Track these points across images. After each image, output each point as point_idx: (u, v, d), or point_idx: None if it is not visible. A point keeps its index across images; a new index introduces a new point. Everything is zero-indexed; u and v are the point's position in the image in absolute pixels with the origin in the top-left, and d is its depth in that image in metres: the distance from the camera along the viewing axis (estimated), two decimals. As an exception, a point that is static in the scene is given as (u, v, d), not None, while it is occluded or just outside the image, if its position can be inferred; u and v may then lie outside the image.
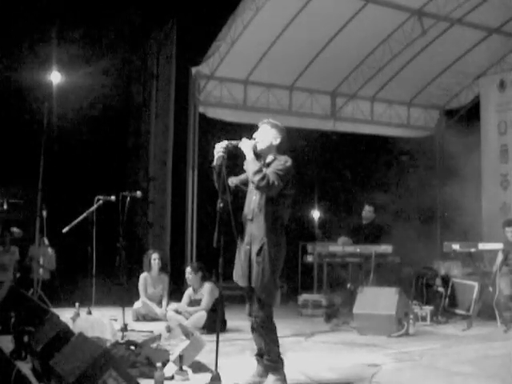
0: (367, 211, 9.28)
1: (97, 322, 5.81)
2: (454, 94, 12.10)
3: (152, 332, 6.63)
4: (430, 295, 8.47)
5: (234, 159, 4.50)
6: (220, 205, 4.30)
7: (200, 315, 7.16)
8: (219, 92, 10.41)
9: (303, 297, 8.85)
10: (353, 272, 8.85)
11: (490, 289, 7.72)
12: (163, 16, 10.59)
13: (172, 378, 4.67)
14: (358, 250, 8.63)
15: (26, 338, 4.64)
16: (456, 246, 8.12)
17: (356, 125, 11.76)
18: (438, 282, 8.49)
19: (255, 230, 4.40)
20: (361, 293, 7.38)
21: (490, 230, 10.26)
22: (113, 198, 7.56)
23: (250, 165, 4.37)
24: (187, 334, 5.24)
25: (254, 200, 4.47)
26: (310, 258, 9.12)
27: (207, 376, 4.41)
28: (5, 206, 8.54)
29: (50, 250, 9.20)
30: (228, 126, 10.41)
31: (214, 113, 10.45)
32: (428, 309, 7.92)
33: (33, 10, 10.03)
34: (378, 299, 7.12)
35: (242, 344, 6.08)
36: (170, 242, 10.27)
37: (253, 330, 4.50)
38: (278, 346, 4.48)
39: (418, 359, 5.61)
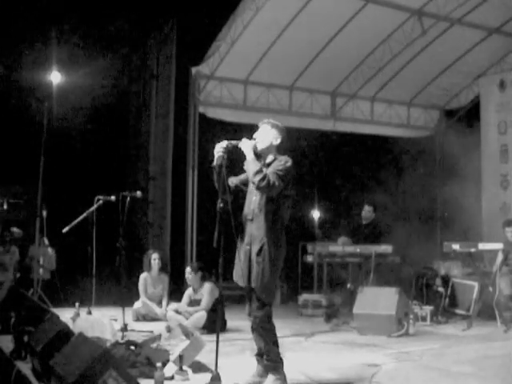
0: (367, 211, 9.28)
1: (97, 322, 5.80)
2: (454, 94, 12.10)
3: (152, 332, 6.63)
4: (430, 295, 8.47)
5: (234, 159, 4.50)
6: (220, 205, 4.30)
7: (200, 315, 7.16)
8: (219, 92, 10.41)
9: (303, 297, 8.86)
10: (353, 272, 8.85)
11: (490, 289, 7.72)
12: (163, 16, 10.58)
13: (172, 378, 4.67)
14: (358, 250, 8.63)
15: (26, 338, 4.64)
16: (456, 246, 8.11)
17: (356, 125, 11.76)
18: (438, 282, 8.49)
19: (255, 231, 4.40)
20: (361, 293, 7.38)
21: (489, 230, 10.26)
22: (113, 198, 7.56)
23: (251, 165, 4.37)
24: (187, 333, 5.24)
25: (254, 200, 4.47)
26: (310, 258, 9.12)
27: (207, 376, 4.41)
28: (5, 206, 8.54)
29: (49, 249, 9.20)
30: (228, 125, 10.40)
31: (214, 113, 10.45)
32: (428, 309, 7.92)
33: (33, 10, 10.02)
34: (378, 299, 7.13)
35: (241, 344, 6.08)
36: (170, 242, 10.27)
37: (253, 330, 4.50)
38: (278, 346, 4.48)
39: (417, 359, 5.61)
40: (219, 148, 4.39)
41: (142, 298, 8.29)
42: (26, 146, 9.15)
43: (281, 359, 4.48)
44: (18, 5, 9.89)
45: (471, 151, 10.50)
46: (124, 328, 6.61)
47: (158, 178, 10.84)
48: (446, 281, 8.46)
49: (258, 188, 4.32)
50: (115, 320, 6.76)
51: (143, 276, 8.42)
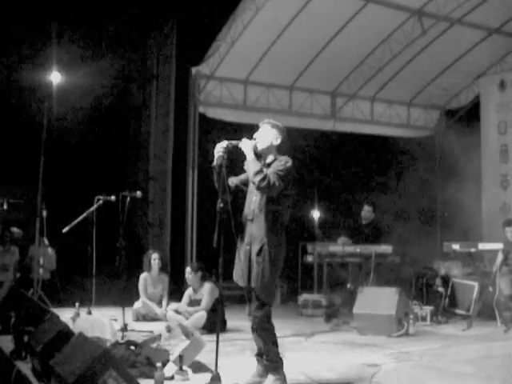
0: (366, 211, 9.28)
1: (97, 322, 5.80)
2: (454, 94, 12.09)
3: (152, 332, 6.63)
4: (430, 295, 8.47)
5: (234, 159, 4.50)
6: (220, 205, 4.30)
7: (200, 315, 7.16)
8: (219, 92, 10.40)
9: (303, 297, 8.85)
10: (353, 272, 8.85)
11: (490, 289, 7.72)
12: (163, 16, 10.59)
13: (172, 378, 4.67)
14: (358, 250, 8.63)
15: (26, 338, 4.64)
16: (456, 246, 8.11)
17: (356, 125, 11.76)
18: (438, 282, 8.49)
19: (255, 231, 4.40)
20: (361, 293, 7.38)
21: (489, 230, 10.26)
22: (113, 198, 7.57)
23: (251, 165, 4.37)
24: (187, 333, 5.23)
25: (254, 200, 4.47)
26: (310, 258, 9.12)
27: (207, 376, 4.41)
28: (5, 206, 8.54)
29: (49, 249, 9.20)
30: (228, 125, 10.40)
31: (214, 113, 10.44)
32: (428, 309, 7.92)
33: (33, 9, 10.02)
34: (378, 299, 7.13)
35: (241, 344, 6.08)
36: (170, 242, 10.27)
37: (253, 330, 4.50)
38: (277, 346, 4.48)
39: (417, 359, 5.61)
40: (219, 148, 4.39)
41: (142, 298, 8.29)
42: (26, 145, 9.15)
43: (280, 359, 4.48)
44: (18, 4, 9.89)
45: (471, 151, 10.50)
46: (124, 328, 6.61)
47: (157, 178, 10.85)
48: (445, 281, 8.46)
49: (259, 188, 4.32)
50: (115, 320, 6.76)
51: (143, 276, 8.42)
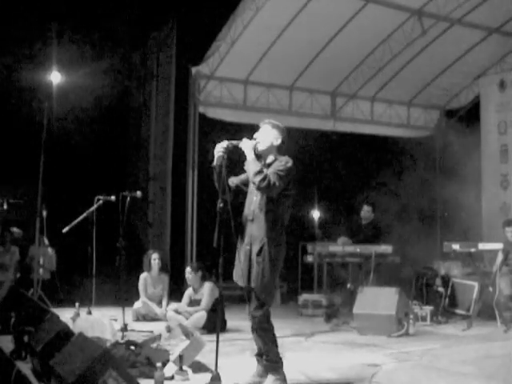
0: (366, 211, 9.28)
1: (97, 322, 5.80)
2: (454, 94, 12.10)
3: (152, 332, 6.63)
4: (430, 295, 8.47)
5: (235, 159, 4.50)
6: (220, 205, 4.30)
7: (200, 315, 7.16)
8: (219, 92, 10.40)
9: (303, 297, 8.85)
10: (353, 272, 8.85)
11: (490, 289, 7.72)
12: (163, 16, 10.59)
13: (172, 378, 4.67)
14: (358, 250, 8.63)
15: (26, 338, 4.64)
16: (456, 246, 8.12)
17: (356, 125, 11.76)
18: (438, 282, 8.48)
19: (255, 231, 4.40)
20: (361, 293, 7.38)
21: (489, 230, 10.26)
22: (113, 198, 7.57)
23: (251, 165, 4.37)
24: (187, 333, 5.24)
25: (254, 200, 4.47)
26: (310, 258, 9.12)
27: (207, 376, 4.41)
28: (5, 206, 8.54)
29: (50, 249, 9.20)
30: (228, 125, 10.40)
31: (214, 113, 10.44)
32: (428, 309, 7.92)
33: (33, 9, 10.03)
34: (378, 299, 7.13)
35: (241, 344, 6.08)
36: (170, 242, 10.27)
37: (253, 330, 4.50)
38: (277, 346, 4.48)
39: (417, 359, 5.61)
40: (219, 148, 4.39)
41: (142, 298, 8.29)
42: (26, 145, 9.15)
43: (280, 359, 4.48)
44: (18, 4, 9.89)
45: (471, 151, 10.49)
46: (124, 328, 6.61)
47: (157, 178, 10.85)
48: (445, 281, 8.45)
49: (259, 188, 4.32)
50: (115, 320, 6.76)
51: (143, 276, 8.42)
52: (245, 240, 4.45)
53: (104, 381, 3.25)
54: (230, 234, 4.36)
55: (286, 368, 4.51)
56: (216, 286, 7.28)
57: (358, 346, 6.32)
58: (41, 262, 8.79)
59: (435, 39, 10.10)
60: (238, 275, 4.47)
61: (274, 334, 4.46)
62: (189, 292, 7.55)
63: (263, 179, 4.25)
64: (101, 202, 7.64)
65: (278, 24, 9.41)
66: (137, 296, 8.31)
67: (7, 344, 4.92)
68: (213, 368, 4.31)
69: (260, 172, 4.29)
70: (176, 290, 8.89)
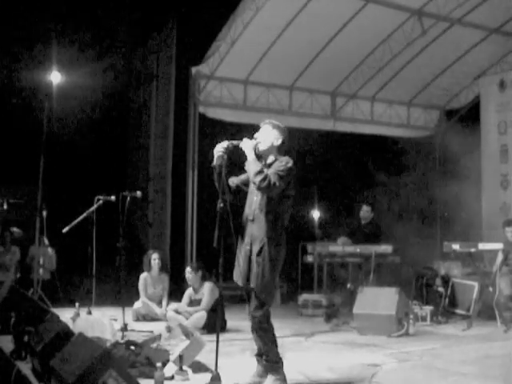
0: (365, 211, 9.29)
1: (97, 322, 5.81)
2: (454, 94, 12.10)
3: (152, 332, 6.63)
4: (430, 295, 8.47)
5: (235, 159, 4.50)
6: (220, 205, 4.30)
7: (200, 315, 7.16)
8: (219, 92, 10.40)
9: (303, 297, 8.85)
10: (353, 272, 8.85)
11: (490, 289, 7.72)
12: (163, 16, 10.59)
13: (172, 378, 4.67)
14: (358, 250, 8.63)
15: (26, 338, 4.64)
16: (456, 246, 8.11)
17: (356, 125, 11.76)
18: (438, 282, 8.48)
19: (256, 231, 4.40)
20: (361, 293, 7.38)
21: (489, 230, 10.26)
22: (113, 198, 7.56)
23: (251, 165, 4.36)
24: (187, 333, 5.24)
25: (255, 200, 4.47)
26: (310, 258, 9.12)
27: (207, 376, 4.41)
28: (5, 206, 8.54)
29: (50, 249, 9.20)
30: (228, 125, 10.41)
31: (214, 113, 10.44)
32: (428, 309, 7.91)
33: (33, 9, 10.03)
34: (378, 299, 7.12)
35: (241, 344, 6.08)
36: (170, 242, 10.26)
37: (253, 330, 4.50)
38: (277, 346, 4.48)
39: (417, 359, 5.61)
40: (220, 148, 4.39)
41: (142, 298, 8.29)
42: (26, 145, 9.15)
43: (280, 359, 4.48)
44: (18, 5, 9.90)
45: (471, 151, 10.49)
46: (124, 328, 6.61)
47: (157, 178, 10.85)
48: (445, 281, 8.45)
49: (259, 188, 4.32)
50: (115, 320, 6.76)
51: (143, 276, 8.42)
52: (245, 240, 4.45)
53: (104, 381, 3.25)
54: (230, 233, 4.36)
55: (286, 368, 4.51)
56: (216, 286, 7.28)
57: (358, 346, 6.32)
58: (41, 261, 8.78)
59: (435, 39, 10.11)
60: (238, 275, 4.47)
61: (273, 334, 4.46)
62: (189, 292, 7.55)
63: (263, 179, 4.25)
64: (101, 202, 7.64)
65: (278, 24, 9.41)
66: (137, 296, 8.31)
67: (7, 344, 4.91)
68: (213, 368, 4.31)
69: (260, 172, 4.29)
70: (176, 290, 8.89)
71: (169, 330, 6.42)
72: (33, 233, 8.24)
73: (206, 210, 9.01)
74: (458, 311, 8.20)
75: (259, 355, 4.53)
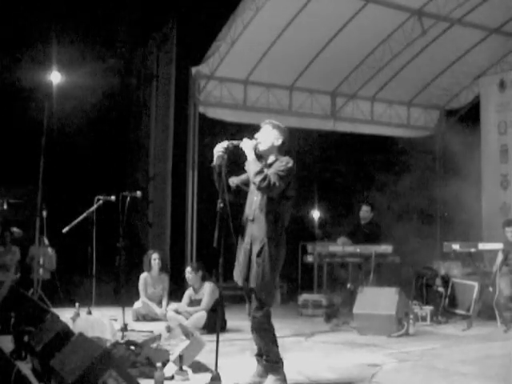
0: (364, 211, 9.28)
1: (97, 322, 5.80)
2: (454, 94, 12.10)
3: (152, 332, 6.62)
4: (430, 295, 8.47)
5: (235, 159, 4.50)
6: (220, 205, 4.30)
7: (200, 315, 7.16)
8: (219, 92, 10.41)
9: (303, 297, 8.85)
10: (353, 272, 8.85)
11: (490, 289, 7.72)
12: (163, 16, 10.59)
13: (172, 378, 4.67)
14: (358, 250, 8.63)
15: (26, 338, 4.64)
16: (456, 246, 8.11)
17: (356, 125, 11.76)
18: (438, 282, 8.48)
19: (256, 231, 4.40)
20: (361, 293, 7.38)
21: (489, 230, 10.26)
22: (113, 198, 7.56)
23: (251, 165, 4.36)
24: (187, 333, 5.24)
25: (255, 201, 4.47)
26: (310, 258, 9.12)
27: (207, 376, 4.41)
28: (5, 206, 8.54)
29: (50, 249, 9.21)
30: (228, 125, 10.41)
31: (214, 113, 10.45)
32: (428, 309, 7.91)
33: (33, 9, 10.03)
34: (378, 299, 7.12)
35: (241, 344, 6.08)
36: (170, 242, 10.26)
37: (253, 330, 4.50)
38: (277, 346, 4.48)
39: (417, 359, 5.61)
40: (219, 148, 4.39)
41: (142, 298, 8.29)
42: (26, 145, 9.15)
43: (280, 359, 4.48)
44: (18, 5, 9.89)
45: (471, 151, 10.49)
46: (124, 328, 6.61)
47: (157, 178, 10.84)
48: (445, 281, 8.45)
49: (259, 188, 4.32)
50: (115, 320, 6.76)
51: (143, 276, 8.42)
52: (245, 240, 4.45)
53: (104, 381, 3.25)
54: (230, 234, 4.36)
55: (286, 368, 4.51)
56: (216, 286, 7.28)
57: (358, 346, 6.32)
58: (41, 261, 8.79)
59: (435, 39, 10.11)
60: (238, 275, 4.48)
61: (274, 335, 4.46)
62: (189, 292, 7.55)
63: (263, 179, 4.25)
64: (101, 202, 7.64)
65: (278, 24, 9.41)
66: (137, 296, 8.31)
67: (7, 344, 4.91)
68: (213, 368, 4.31)
69: (260, 172, 4.29)
70: (176, 290, 8.89)
71: (169, 329, 6.42)
72: (33, 233, 8.25)
73: (205, 210, 9.00)
74: (458, 311, 8.20)
75: (259, 355, 4.53)
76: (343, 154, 12.23)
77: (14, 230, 9.18)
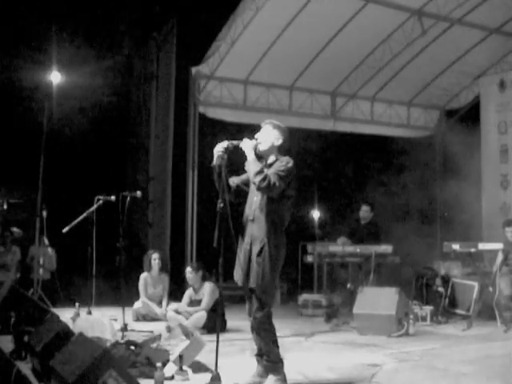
0: (364, 211, 9.29)
1: (97, 322, 5.80)
2: (454, 94, 12.10)
3: (152, 332, 6.62)
4: (430, 295, 8.47)
5: (235, 160, 4.50)
6: (220, 205, 4.30)
7: (200, 315, 7.16)
8: (219, 92, 10.41)
9: (303, 297, 8.86)
10: (353, 272, 8.85)
11: (490, 289, 7.72)
12: (163, 16, 10.59)
13: (172, 378, 4.67)
14: (358, 250, 8.63)
15: (26, 338, 4.64)
16: (456, 246, 8.12)
17: (356, 125, 11.76)
18: (438, 282, 8.48)
19: (256, 231, 4.40)
20: (361, 293, 7.38)
21: (489, 230, 10.26)
22: (113, 198, 7.57)
23: (252, 165, 4.36)
24: (187, 333, 5.24)
25: (255, 201, 4.47)
26: (310, 258, 9.12)
27: (207, 376, 4.41)
28: (5, 206, 8.54)
29: (50, 249, 9.21)
30: (228, 125, 10.41)
31: (214, 113, 10.45)
32: (428, 309, 7.92)
33: (33, 9, 10.02)
34: (378, 299, 7.12)
35: (241, 344, 6.08)
36: (170, 242, 10.27)
37: (253, 330, 4.49)
38: (278, 347, 4.48)
39: (417, 359, 5.61)
40: (219, 148, 4.39)
41: (142, 298, 8.29)
42: (26, 146, 9.15)
43: (281, 359, 4.48)
44: (18, 4, 9.89)
45: (471, 151, 10.50)
46: (124, 328, 6.61)
47: (157, 178, 10.84)
48: (446, 281, 8.45)
49: (259, 188, 4.32)
50: (115, 320, 6.76)
51: (143, 276, 8.42)
52: (245, 240, 4.45)
53: (104, 381, 3.25)
54: (230, 234, 4.36)
55: (286, 368, 4.50)
56: (216, 286, 7.28)
57: (358, 346, 6.32)
58: (41, 261, 8.79)
59: (435, 39, 10.11)
60: (239, 275, 4.48)
61: (274, 335, 4.46)
62: (189, 292, 7.55)
63: (263, 179, 4.25)
64: (101, 202, 7.64)
65: (278, 24, 9.41)
66: (137, 296, 8.31)
67: (7, 344, 4.92)
68: (213, 368, 4.31)
69: (260, 172, 4.29)
70: (176, 290, 8.89)
71: (169, 329, 6.42)
72: (33, 233, 8.25)
73: (206, 210, 9.01)
74: (458, 311, 8.20)
75: (259, 355, 4.53)
76: (343, 154, 12.24)
77: (14, 229, 9.18)
